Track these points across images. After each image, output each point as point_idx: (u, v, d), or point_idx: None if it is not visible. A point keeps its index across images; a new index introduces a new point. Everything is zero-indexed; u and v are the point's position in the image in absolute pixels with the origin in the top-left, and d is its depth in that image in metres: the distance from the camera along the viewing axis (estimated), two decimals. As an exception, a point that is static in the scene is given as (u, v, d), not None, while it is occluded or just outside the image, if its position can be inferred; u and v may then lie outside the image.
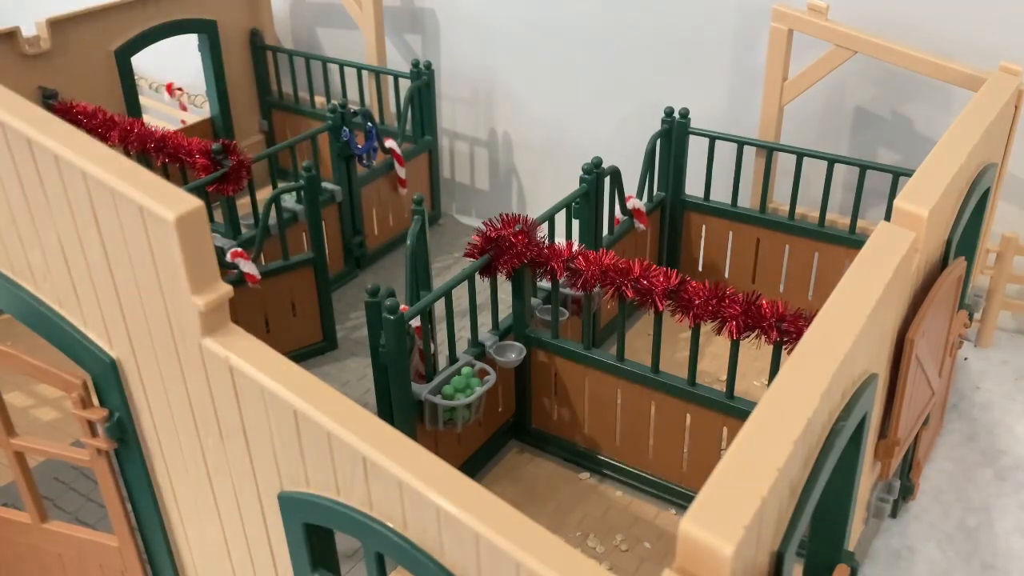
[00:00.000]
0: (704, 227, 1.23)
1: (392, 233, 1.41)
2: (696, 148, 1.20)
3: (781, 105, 1.20)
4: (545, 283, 0.95)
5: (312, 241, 1.13)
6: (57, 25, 1.29)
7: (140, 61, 1.47)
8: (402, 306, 0.82)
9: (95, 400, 0.64)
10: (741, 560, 0.43)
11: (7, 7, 1.77)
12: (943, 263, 0.80)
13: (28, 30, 1.29)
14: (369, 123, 1.28)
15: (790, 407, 0.50)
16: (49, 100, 1.30)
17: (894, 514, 0.92)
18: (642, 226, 1.13)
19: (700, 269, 1.26)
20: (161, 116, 1.64)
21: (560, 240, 0.95)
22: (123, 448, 0.65)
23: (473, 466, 0.96)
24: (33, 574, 0.79)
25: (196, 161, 1.12)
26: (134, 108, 1.42)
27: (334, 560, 0.60)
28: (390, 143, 1.34)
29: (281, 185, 1.15)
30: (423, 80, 1.37)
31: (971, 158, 0.80)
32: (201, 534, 0.67)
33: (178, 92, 1.60)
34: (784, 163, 1.25)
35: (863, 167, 1.10)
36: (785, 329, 0.78)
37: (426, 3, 1.50)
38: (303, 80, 1.56)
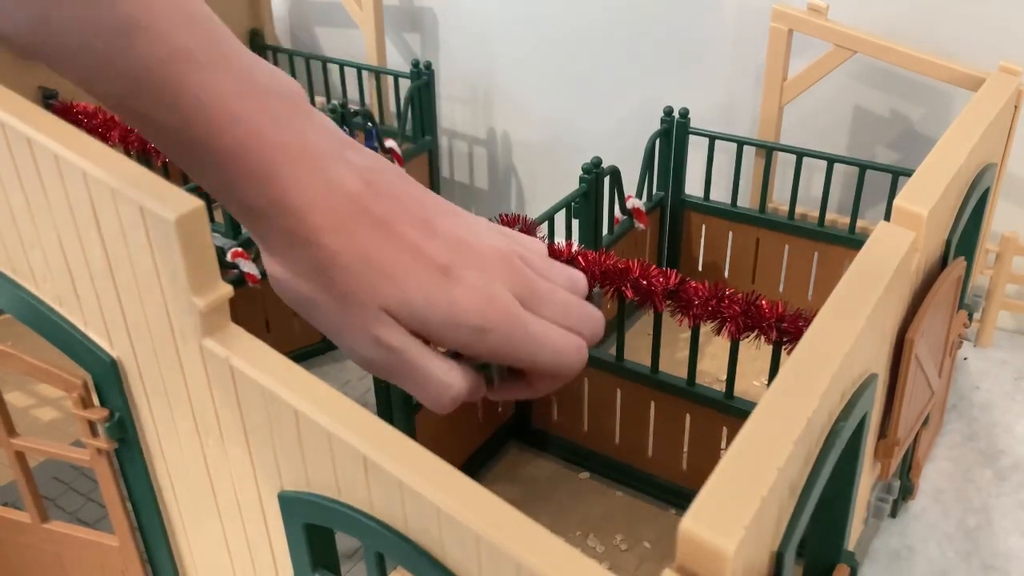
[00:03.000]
0: (704, 227, 1.23)
1: (392, 233, 1.41)
2: (696, 148, 1.20)
3: (781, 105, 1.20)
4: (545, 283, 0.95)
5: (312, 241, 1.13)
6: (57, 25, 1.29)
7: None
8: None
9: (95, 400, 0.64)
10: (741, 560, 0.43)
11: (7, 7, 1.77)
12: (943, 263, 0.80)
13: (28, 30, 1.28)
14: (369, 123, 1.28)
15: (790, 407, 0.50)
16: (49, 100, 1.30)
17: (894, 514, 0.92)
18: (642, 226, 1.13)
19: (700, 269, 1.26)
20: (161, 116, 1.63)
21: (560, 240, 0.95)
22: (123, 448, 0.65)
23: (473, 466, 0.96)
24: (33, 574, 0.79)
25: (196, 161, 1.11)
26: (134, 108, 1.42)
27: (334, 560, 0.60)
28: (390, 143, 1.34)
29: (281, 185, 1.15)
30: (423, 80, 1.37)
31: (971, 158, 0.80)
32: (201, 534, 0.67)
33: (178, 92, 1.59)
34: (784, 163, 1.25)
35: (863, 167, 1.10)
36: (785, 329, 0.78)
37: (426, 3, 1.50)
38: (303, 80, 1.56)
